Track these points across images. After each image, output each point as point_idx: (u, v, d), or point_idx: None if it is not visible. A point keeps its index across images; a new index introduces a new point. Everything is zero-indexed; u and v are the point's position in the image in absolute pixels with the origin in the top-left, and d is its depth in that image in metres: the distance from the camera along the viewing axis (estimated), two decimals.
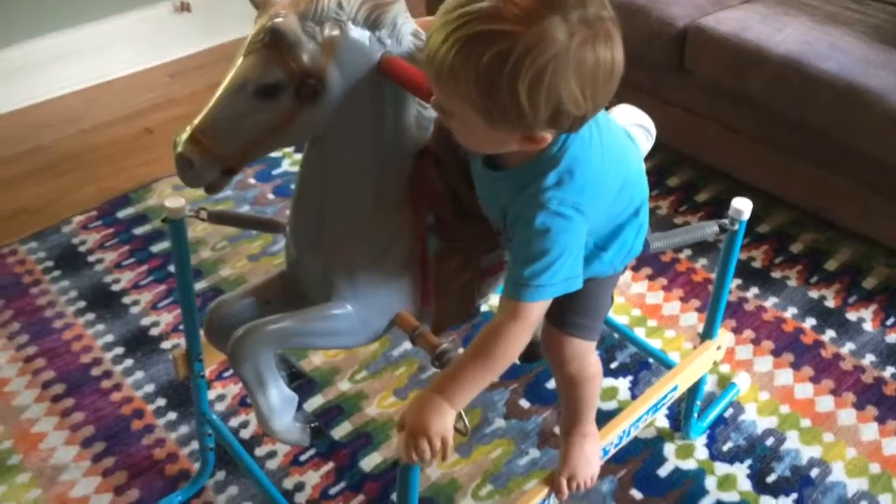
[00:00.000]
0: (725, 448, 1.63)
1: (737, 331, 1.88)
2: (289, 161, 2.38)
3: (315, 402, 1.69)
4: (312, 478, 1.56)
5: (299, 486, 1.55)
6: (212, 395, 1.70)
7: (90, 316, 1.90)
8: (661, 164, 2.34)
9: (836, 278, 2.03)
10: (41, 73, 2.65)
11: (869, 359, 1.82)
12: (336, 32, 0.97)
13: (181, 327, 1.86)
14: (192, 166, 0.98)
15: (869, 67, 1.89)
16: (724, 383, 1.75)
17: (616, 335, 1.83)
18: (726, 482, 1.57)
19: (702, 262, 2.06)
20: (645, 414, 1.34)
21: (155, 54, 2.86)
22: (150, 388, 1.73)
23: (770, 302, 1.96)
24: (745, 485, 1.57)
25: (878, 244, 2.07)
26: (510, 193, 0.98)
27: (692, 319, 1.91)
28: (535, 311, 0.96)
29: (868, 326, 1.90)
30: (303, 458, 1.60)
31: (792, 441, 1.65)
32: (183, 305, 1.32)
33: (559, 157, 0.94)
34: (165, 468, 1.58)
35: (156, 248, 2.08)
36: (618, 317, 1.88)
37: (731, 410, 1.71)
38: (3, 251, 2.08)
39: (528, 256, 0.95)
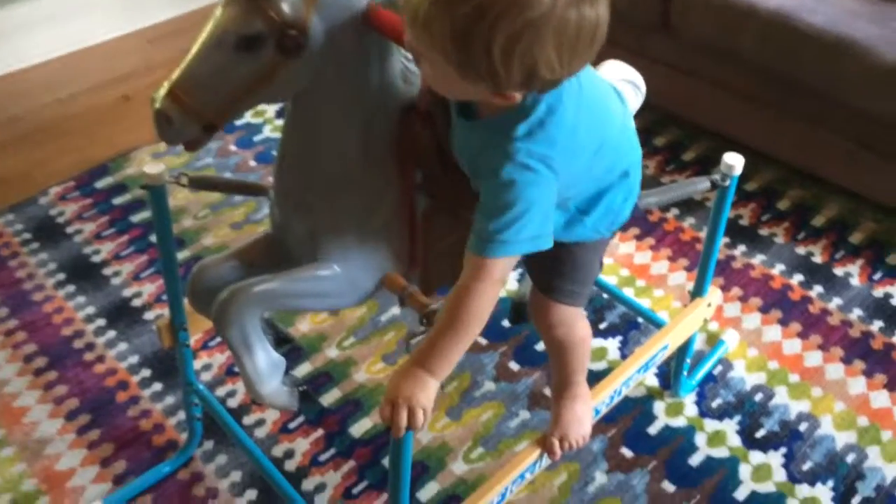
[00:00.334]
0: (714, 405, 1.63)
1: (725, 288, 1.88)
2: (270, 127, 2.34)
3: (303, 370, 1.68)
4: (302, 445, 1.55)
5: (289, 454, 1.54)
6: (198, 364, 1.69)
7: (70, 288, 1.86)
8: (647, 123, 2.32)
9: (823, 234, 2.02)
10: (14, 42, 2.58)
11: (856, 313, 1.82)
12: None
13: (164, 297, 1.83)
14: (170, 123, 0.95)
15: (856, 20, 1.86)
16: (713, 341, 1.74)
17: (605, 295, 1.82)
18: (716, 438, 1.57)
19: (689, 221, 2.05)
20: (636, 373, 1.33)
21: (133, 19, 2.79)
22: (134, 359, 1.71)
23: (758, 259, 1.95)
24: (735, 440, 1.57)
25: (864, 199, 2.06)
26: (480, 143, 0.96)
27: (680, 279, 1.90)
28: (499, 267, 0.93)
29: (855, 281, 1.90)
30: (292, 425, 1.58)
31: (780, 396, 1.65)
32: (165, 275, 1.29)
33: (531, 108, 0.91)
34: (152, 439, 1.56)
35: (136, 217, 2.05)
36: (606, 277, 1.86)
37: (719, 368, 1.70)
38: None
39: (493, 209, 0.92)
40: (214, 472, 1.51)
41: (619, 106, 1.07)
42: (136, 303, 1.83)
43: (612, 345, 1.75)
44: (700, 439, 1.57)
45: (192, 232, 2.00)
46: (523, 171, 0.91)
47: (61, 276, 1.89)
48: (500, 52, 0.80)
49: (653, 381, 1.67)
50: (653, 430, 1.59)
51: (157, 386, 1.65)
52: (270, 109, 2.39)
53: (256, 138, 2.30)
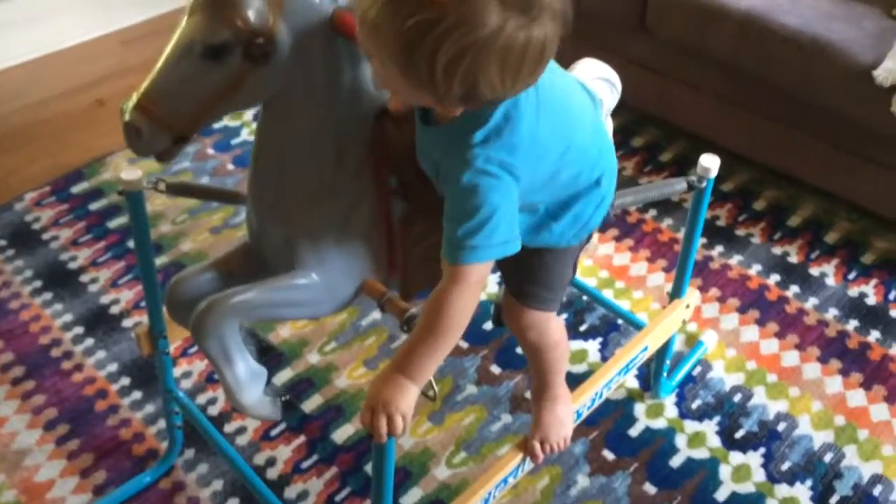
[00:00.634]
0: (694, 406, 1.65)
1: (703, 289, 1.89)
2: (248, 130, 2.33)
3: (284, 376, 1.67)
4: (284, 452, 1.55)
5: (271, 461, 1.53)
6: (177, 372, 1.67)
7: (47, 295, 1.84)
8: (624, 124, 2.33)
9: (799, 234, 2.05)
10: None
11: (832, 313, 1.85)
12: None
13: (143, 304, 1.82)
14: (140, 135, 0.95)
15: (830, 21, 1.88)
16: (692, 342, 1.76)
17: (585, 297, 1.82)
18: (696, 439, 1.59)
19: (668, 222, 2.06)
20: (617, 375, 1.34)
21: (105, 22, 2.76)
22: (112, 367, 1.69)
23: (735, 259, 1.97)
24: (715, 441, 1.59)
25: (838, 199, 2.09)
26: (440, 149, 0.96)
27: (659, 280, 1.91)
28: (474, 273, 0.93)
29: (831, 281, 1.92)
30: (273, 432, 1.58)
31: (759, 396, 1.67)
32: (144, 281, 1.28)
33: (488, 116, 0.91)
34: (132, 448, 1.55)
35: (113, 223, 2.03)
36: (585, 279, 1.87)
37: (699, 368, 1.72)
38: None
39: (458, 215, 0.92)
40: (196, 482, 1.50)
41: (588, 107, 1.06)
42: (115, 310, 1.81)
43: (593, 347, 1.75)
44: (680, 441, 1.59)
45: (169, 237, 1.99)
46: (484, 176, 0.90)
47: (38, 284, 1.87)
48: (442, 69, 0.80)
49: (633, 382, 1.68)
50: (634, 431, 1.60)
51: (137, 394, 1.64)
52: (248, 113, 2.38)
53: (234, 141, 2.29)
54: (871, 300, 1.88)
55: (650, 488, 1.51)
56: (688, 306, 1.47)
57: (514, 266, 1.07)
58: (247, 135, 2.32)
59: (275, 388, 1.14)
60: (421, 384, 0.93)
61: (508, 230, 0.93)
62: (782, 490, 1.51)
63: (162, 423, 1.58)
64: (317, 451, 1.55)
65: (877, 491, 1.51)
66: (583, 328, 1.79)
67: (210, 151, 2.26)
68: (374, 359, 1.72)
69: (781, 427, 1.61)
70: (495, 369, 1.70)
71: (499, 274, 1.69)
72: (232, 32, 0.91)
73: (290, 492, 1.49)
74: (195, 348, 1.72)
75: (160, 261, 1.92)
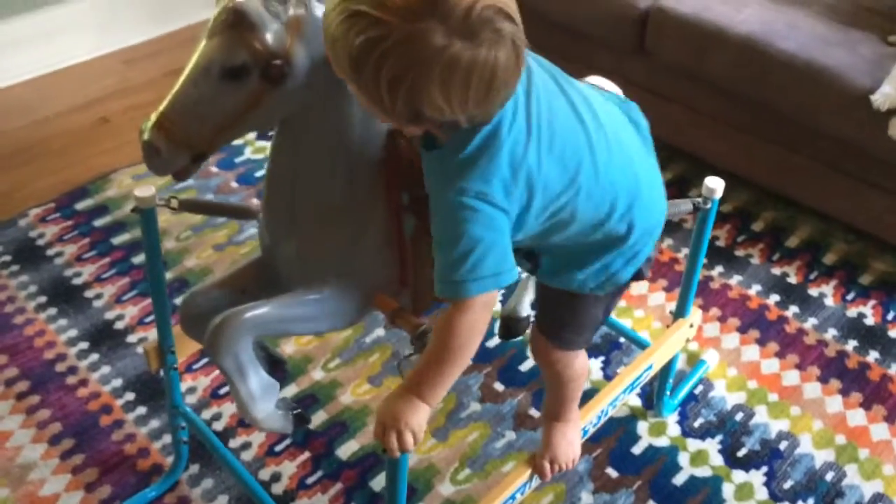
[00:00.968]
0: (697, 424, 1.66)
1: (703, 308, 1.91)
2: (251, 149, 2.34)
3: (289, 391, 1.68)
4: (289, 468, 1.55)
5: (276, 477, 1.54)
6: (182, 387, 1.66)
7: (52, 311, 1.85)
8: None
9: (797, 255, 2.07)
10: None
11: (831, 333, 1.87)
12: (301, 11, 0.96)
13: (147, 320, 1.83)
14: (159, 154, 0.96)
15: (827, 46, 1.92)
16: (693, 361, 1.77)
17: None
18: (699, 458, 1.60)
19: (668, 242, 2.09)
20: (622, 393, 1.36)
21: (108, 41, 2.78)
22: (117, 382, 1.70)
23: (734, 280, 1.99)
24: (717, 460, 1.60)
25: (835, 221, 2.12)
26: (431, 175, 0.96)
27: (660, 299, 1.93)
28: (474, 302, 0.92)
29: (829, 301, 1.94)
30: (278, 448, 1.58)
31: (760, 415, 1.68)
32: (154, 297, 1.29)
33: (465, 144, 0.90)
34: (137, 463, 1.55)
35: (117, 240, 2.04)
36: None
37: (700, 387, 1.73)
38: None
39: (440, 249, 0.93)
40: (201, 497, 1.50)
41: (614, 135, 1.02)
42: (119, 325, 1.82)
43: (595, 365, 1.77)
44: (683, 459, 1.60)
45: (174, 254, 2.00)
46: (460, 209, 0.90)
47: (42, 299, 1.87)
48: (386, 86, 0.82)
49: (635, 401, 1.69)
50: (637, 449, 1.61)
51: (142, 409, 1.64)
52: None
53: (238, 160, 2.30)
54: (870, 321, 1.90)
55: None
56: (692, 325, 1.48)
57: (544, 302, 1.07)
58: (250, 153, 2.33)
59: (286, 402, 1.15)
60: (433, 404, 0.95)
61: (498, 262, 0.92)
62: None
63: (167, 439, 1.58)
64: (322, 466, 1.56)
65: None
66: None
67: (214, 169, 2.27)
68: (378, 376, 1.73)
69: (783, 446, 1.63)
70: (498, 386, 1.71)
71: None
72: (250, 54, 0.93)
73: None
74: (200, 364, 1.73)
75: (165, 276, 1.92)
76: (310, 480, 1.53)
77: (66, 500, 1.49)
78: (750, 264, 2.04)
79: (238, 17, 0.92)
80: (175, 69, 2.73)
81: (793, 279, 2.00)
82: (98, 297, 1.89)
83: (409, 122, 0.87)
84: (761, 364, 1.79)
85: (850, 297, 1.96)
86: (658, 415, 1.66)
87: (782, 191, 2.15)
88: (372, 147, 1.07)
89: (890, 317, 1.91)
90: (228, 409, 1.65)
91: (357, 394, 1.69)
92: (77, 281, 1.92)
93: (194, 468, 1.54)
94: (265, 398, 1.10)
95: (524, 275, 1.53)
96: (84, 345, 1.77)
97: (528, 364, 1.76)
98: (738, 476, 1.57)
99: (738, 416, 1.68)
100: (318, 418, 1.63)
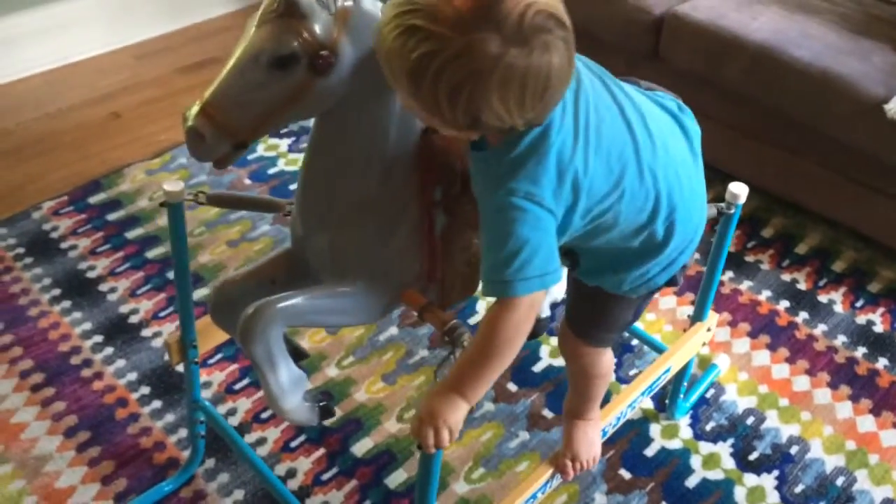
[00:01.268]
0: (708, 427, 1.67)
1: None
2: (263, 146, 2.35)
3: None
4: (304, 464, 1.56)
5: (291, 473, 1.54)
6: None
7: (66, 304, 1.85)
8: None
9: (807, 262, 2.09)
10: (1, 55, 2.57)
11: (841, 339, 1.88)
12: (349, 3, 0.97)
13: (162, 315, 1.84)
14: (203, 140, 0.97)
15: (840, 55, 1.94)
16: (705, 365, 1.79)
17: None
18: (711, 461, 1.61)
19: None
20: (641, 395, 1.36)
21: (119, 36, 2.79)
22: (132, 376, 1.70)
23: (745, 285, 2.01)
24: (729, 463, 1.61)
25: (844, 228, 2.13)
26: (478, 177, 0.98)
27: (671, 303, 1.94)
28: (520, 303, 0.93)
29: (839, 308, 1.96)
30: (293, 444, 1.59)
31: (772, 420, 1.70)
32: (179, 291, 1.30)
33: (514, 145, 0.92)
34: (153, 457, 1.56)
35: (131, 234, 2.04)
36: None
37: (712, 391, 1.75)
38: None
39: (488, 249, 0.94)
40: (217, 491, 1.50)
41: (658, 137, 1.02)
42: (134, 319, 1.82)
43: None
44: (695, 461, 1.61)
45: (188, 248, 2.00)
46: (509, 209, 0.91)
47: (56, 292, 1.88)
48: (445, 98, 0.83)
49: (648, 403, 1.70)
50: (649, 451, 1.62)
51: (157, 403, 1.65)
52: None
53: (251, 157, 2.31)
54: (879, 328, 1.91)
55: None
56: (709, 329, 1.50)
57: (576, 298, 1.08)
58: (262, 150, 2.34)
59: (312, 394, 1.16)
60: (473, 402, 0.95)
61: (544, 263, 0.93)
62: None
63: (182, 433, 1.59)
64: (337, 463, 1.56)
65: None
66: None
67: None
68: (392, 374, 1.73)
69: (794, 450, 1.64)
70: (512, 387, 1.72)
71: None
72: (300, 44, 0.93)
73: (311, 503, 1.50)
74: (215, 359, 1.74)
75: None
76: (325, 477, 1.54)
77: (82, 493, 1.49)
78: (760, 270, 2.05)
79: (290, 6, 0.92)
80: (186, 66, 2.77)
81: (802, 285, 2.02)
82: (112, 290, 1.89)
83: (468, 130, 0.88)
84: (772, 369, 1.80)
85: (858, 304, 1.98)
86: (670, 417, 1.67)
87: (792, 197, 2.17)
88: (407, 142, 1.08)
89: None
90: (243, 404, 1.66)
91: (371, 391, 1.70)
92: (91, 274, 1.93)
93: (210, 462, 1.54)
94: (294, 390, 1.10)
95: None
96: (99, 338, 1.78)
97: (541, 365, 1.77)
98: (750, 479, 1.58)
99: (750, 420, 1.69)
100: None
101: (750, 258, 2.08)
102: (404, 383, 1.72)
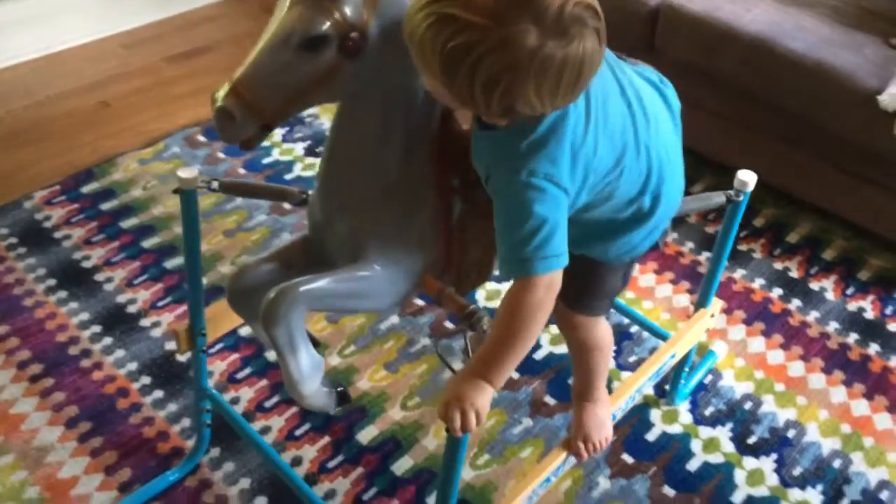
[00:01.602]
0: (707, 412, 1.70)
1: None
2: None
3: None
4: (309, 452, 1.56)
5: (297, 461, 1.54)
6: None
7: (62, 294, 1.83)
8: None
9: (798, 250, 2.12)
10: None
11: (833, 326, 1.91)
12: None
13: (160, 304, 1.83)
14: (232, 120, 0.96)
15: (833, 47, 1.96)
16: (702, 352, 1.81)
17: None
18: (711, 445, 1.63)
19: (672, 236, 2.12)
20: (648, 380, 1.38)
21: (107, 24, 2.75)
22: (133, 366, 1.69)
23: (738, 274, 2.03)
24: (729, 447, 1.63)
25: (834, 217, 2.17)
26: (492, 156, 0.98)
27: (667, 291, 1.96)
28: (539, 282, 0.94)
29: (830, 296, 1.99)
30: (298, 432, 1.59)
31: (768, 404, 1.72)
32: (190, 278, 1.29)
33: (534, 126, 0.92)
34: (157, 446, 1.55)
35: (126, 224, 2.02)
36: None
37: (710, 377, 1.77)
38: None
39: (506, 229, 0.94)
40: (223, 480, 1.50)
41: (651, 114, 1.05)
42: (132, 309, 1.81)
43: None
44: (696, 445, 1.63)
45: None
46: (528, 189, 0.92)
47: (52, 282, 1.85)
48: (480, 88, 0.84)
49: (648, 389, 1.72)
50: (651, 436, 1.64)
51: (159, 393, 1.64)
52: None
53: None
54: (869, 315, 1.95)
55: (669, 491, 1.55)
56: (712, 315, 1.52)
57: (564, 273, 1.09)
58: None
59: (329, 380, 1.16)
60: (498, 386, 0.96)
61: (562, 243, 0.95)
62: (795, 494, 1.56)
63: (185, 422, 1.58)
64: (342, 451, 1.56)
65: (884, 496, 1.57)
66: None
67: (221, 155, 2.26)
68: (394, 362, 1.74)
69: (791, 434, 1.67)
70: (514, 374, 1.73)
71: None
72: (332, 25, 0.93)
73: (318, 491, 1.50)
74: (216, 349, 1.73)
75: (176, 262, 1.92)
76: (331, 465, 1.54)
77: (86, 483, 1.48)
78: (752, 259, 2.08)
79: None
80: (175, 55, 2.75)
81: (794, 274, 2.05)
82: (108, 280, 1.87)
83: (499, 117, 0.89)
84: (767, 355, 1.83)
85: (849, 291, 2.01)
86: (670, 403, 1.69)
87: (784, 187, 2.20)
88: (429, 127, 1.08)
89: (888, 311, 1.96)
90: (246, 393, 1.65)
91: (374, 380, 1.70)
92: (86, 264, 1.91)
93: (215, 451, 1.54)
94: (313, 375, 1.10)
95: None
96: (97, 328, 1.76)
97: (542, 353, 1.78)
98: (750, 463, 1.61)
99: (747, 405, 1.72)
100: None
101: (743, 247, 2.11)
102: (406, 371, 1.72)
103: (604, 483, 1.55)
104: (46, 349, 1.71)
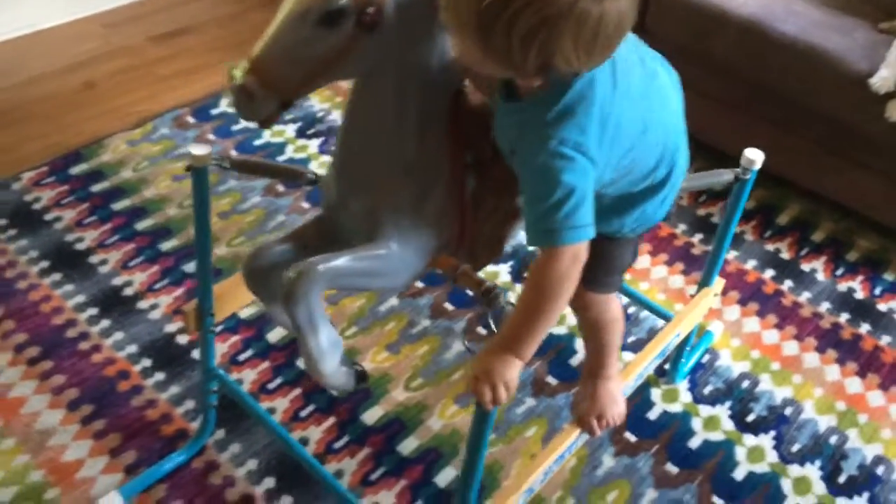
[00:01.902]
0: (706, 391, 1.72)
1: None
2: None
3: None
4: (315, 433, 1.55)
5: (303, 441, 1.54)
6: (199, 354, 1.66)
7: (56, 276, 1.80)
8: None
9: (788, 232, 2.15)
10: None
11: (825, 306, 1.95)
12: None
13: (157, 287, 1.81)
14: (252, 98, 0.95)
15: (825, 31, 1.99)
16: (699, 332, 1.83)
17: None
18: (711, 423, 1.66)
19: None
20: (656, 358, 1.40)
21: (86, 4, 2.69)
22: (132, 348, 1.67)
23: (731, 255, 2.06)
24: (728, 424, 1.66)
25: (822, 199, 2.20)
26: (516, 129, 0.98)
27: (663, 272, 1.99)
28: (565, 253, 0.94)
29: (821, 276, 2.03)
30: (303, 413, 1.58)
31: (765, 383, 1.75)
32: (199, 258, 1.28)
33: (562, 93, 0.92)
34: (161, 429, 1.53)
35: (118, 205, 1.99)
36: None
37: (707, 356, 1.79)
38: None
39: (534, 198, 0.94)
40: (229, 461, 1.49)
41: (667, 97, 1.07)
42: (128, 292, 1.78)
43: None
44: (696, 424, 1.65)
45: (178, 220, 1.96)
46: (557, 158, 0.92)
47: (45, 264, 1.82)
48: (518, 42, 0.83)
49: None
50: (652, 415, 1.66)
51: (160, 375, 1.62)
52: None
53: (235, 128, 2.27)
54: (859, 294, 1.99)
55: (672, 468, 1.57)
56: (716, 294, 1.53)
57: None
58: (244, 122, 2.29)
59: (347, 359, 1.15)
60: (525, 359, 0.96)
61: (589, 213, 0.95)
62: (794, 470, 1.59)
63: (189, 404, 1.57)
64: (347, 432, 1.56)
65: (880, 471, 1.61)
66: None
67: (211, 137, 2.24)
68: (395, 343, 1.74)
69: (788, 411, 1.70)
70: None
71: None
72: None
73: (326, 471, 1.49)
74: (217, 330, 1.71)
75: (171, 244, 1.90)
76: (337, 445, 1.54)
77: (91, 466, 1.46)
78: (744, 241, 2.11)
79: None
80: (158, 35, 2.70)
81: (785, 255, 2.08)
82: (103, 263, 1.84)
83: (534, 75, 0.88)
84: (762, 335, 1.86)
85: (839, 272, 2.05)
86: (670, 382, 1.71)
87: (774, 170, 2.22)
88: (442, 103, 1.08)
89: (877, 291, 2.00)
90: (249, 375, 1.64)
91: (376, 361, 1.70)
92: (80, 246, 1.88)
93: (220, 433, 1.53)
94: (332, 352, 1.10)
95: None
96: (93, 311, 1.73)
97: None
98: (749, 440, 1.63)
99: (745, 384, 1.74)
100: None
101: (735, 229, 2.13)
102: (408, 353, 1.72)
103: (608, 461, 1.57)
104: (43, 332, 1.68)
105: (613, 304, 1.27)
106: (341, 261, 1.08)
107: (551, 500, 1.49)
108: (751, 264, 2.04)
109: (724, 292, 1.95)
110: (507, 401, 0.97)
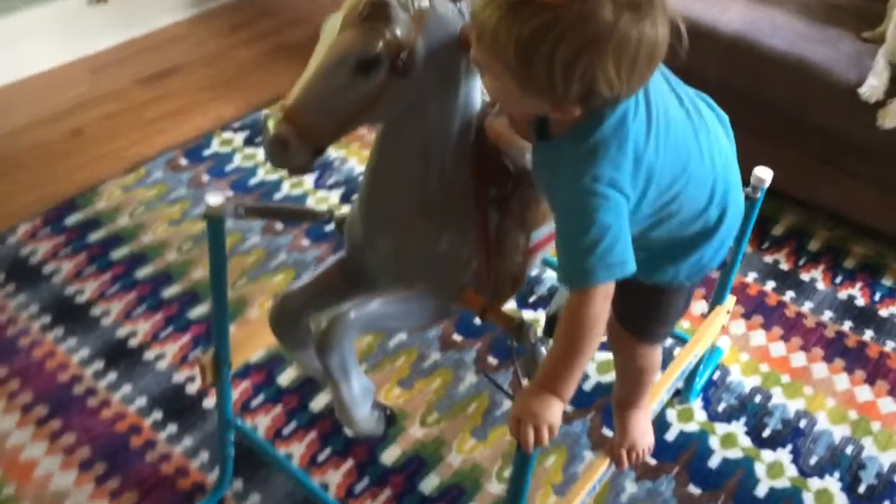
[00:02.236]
0: (720, 409, 1.72)
1: (708, 298, 1.97)
2: (240, 156, 2.30)
3: (320, 401, 1.66)
4: (334, 477, 1.54)
5: (323, 487, 1.52)
6: (209, 403, 1.64)
7: (58, 331, 1.77)
8: None
9: (784, 243, 2.16)
10: None
11: (827, 315, 1.96)
12: (425, 4, 0.96)
13: (162, 336, 1.79)
14: (287, 148, 0.95)
15: (811, 44, 2.02)
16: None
17: None
18: (728, 440, 1.66)
19: None
20: (676, 380, 1.40)
21: (71, 48, 2.67)
22: (142, 401, 1.64)
23: None
24: (745, 441, 1.66)
25: (815, 208, 2.22)
26: (550, 167, 0.98)
27: None
28: (597, 293, 0.94)
29: (821, 285, 2.04)
30: (320, 458, 1.57)
31: (777, 396, 1.76)
32: (215, 308, 1.26)
33: (595, 127, 0.92)
34: (177, 483, 1.51)
35: (116, 254, 1.97)
36: None
37: (718, 373, 1.80)
38: None
39: (569, 237, 0.94)
40: None
41: (714, 136, 1.06)
42: (133, 343, 1.76)
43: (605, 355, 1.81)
44: (714, 442, 1.65)
45: (178, 265, 1.94)
46: (592, 196, 0.91)
47: (46, 319, 1.79)
48: (561, 68, 0.83)
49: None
50: (670, 436, 1.66)
51: (172, 428, 1.60)
52: (238, 138, 2.35)
53: (228, 168, 2.26)
54: (860, 301, 2.00)
55: (694, 489, 1.57)
56: (728, 312, 1.54)
57: (628, 299, 1.07)
58: (239, 161, 2.28)
59: (377, 403, 1.15)
60: (566, 398, 0.96)
61: (625, 250, 0.93)
62: (815, 483, 1.59)
63: (204, 456, 1.55)
64: (367, 473, 1.55)
65: None
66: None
67: (205, 178, 2.22)
68: (408, 379, 1.72)
69: (803, 424, 1.70)
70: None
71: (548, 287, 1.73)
72: (385, 46, 0.93)
73: None
74: None
75: (173, 290, 1.88)
76: (358, 488, 1.52)
77: None
78: (743, 253, 2.11)
79: (377, 9, 0.91)
80: (145, 77, 2.69)
81: (784, 266, 2.09)
82: (105, 314, 1.82)
83: (577, 103, 0.87)
84: (769, 348, 1.87)
85: (838, 280, 2.06)
86: (684, 401, 1.72)
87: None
88: (466, 142, 1.08)
89: (877, 297, 2.02)
90: (262, 421, 1.62)
91: (390, 398, 1.68)
92: (80, 299, 1.85)
93: (237, 484, 1.51)
94: (364, 400, 1.09)
95: None
96: (99, 364, 1.71)
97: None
98: (767, 455, 1.64)
99: (757, 399, 1.75)
100: None
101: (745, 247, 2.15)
102: (422, 387, 1.71)
103: (630, 487, 1.56)
104: (50, 390, 1.65)
105: (658, 354, 1.26)
106: (372, 306, 1.07)
107: None
108: (751, 277, 2.05)
109: None
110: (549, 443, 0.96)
